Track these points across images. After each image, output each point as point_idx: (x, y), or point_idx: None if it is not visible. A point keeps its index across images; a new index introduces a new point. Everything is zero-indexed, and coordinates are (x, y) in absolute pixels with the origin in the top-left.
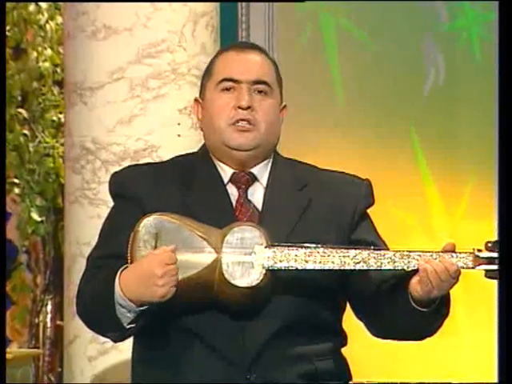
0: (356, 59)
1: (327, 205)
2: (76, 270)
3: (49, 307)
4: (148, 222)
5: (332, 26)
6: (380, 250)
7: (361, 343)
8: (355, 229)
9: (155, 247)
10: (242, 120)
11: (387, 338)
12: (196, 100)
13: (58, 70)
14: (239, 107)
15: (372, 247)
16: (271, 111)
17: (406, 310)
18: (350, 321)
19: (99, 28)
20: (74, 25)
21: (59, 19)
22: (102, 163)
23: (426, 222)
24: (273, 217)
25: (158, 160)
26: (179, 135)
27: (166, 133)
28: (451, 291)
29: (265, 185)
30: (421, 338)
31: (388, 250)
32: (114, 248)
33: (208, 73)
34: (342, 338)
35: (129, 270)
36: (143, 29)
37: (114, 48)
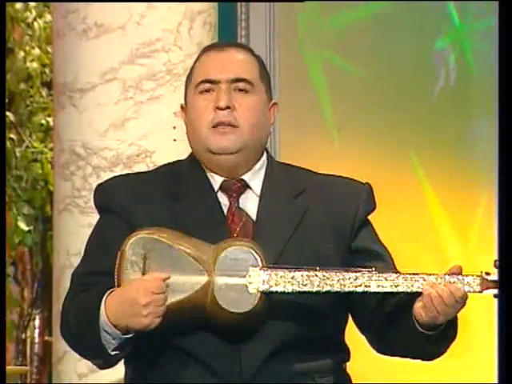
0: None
1: (325, 212)
2: (65, 282)
3: (37, 322)
4: (135, 242)
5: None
6: (382, 272)
7: (365, 358)
8: (356, 236)
9: (143, 269)
10: (223, 123)
11: (388, 355)
12: (182, 107)
13: (47, 70)
14: (218, 108)
15: (374, 269)
16: (254, 109)
17: (411, 332)
18: (353, 334)
19: (90, 26)
20: (64, 23)
21: (48, 17)
22: (93, 169)
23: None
24: (268, 227)
25: (152, 166)
26: (175, 139)
27: (161, 137)
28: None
29: (258, 192)
30: (426, 359)
31: (391, 272)
32: (100, 265)
33: (189, 76)
34: (344, 354)
35: (115, 295)
36: (137, 27)
37: (105, 47)
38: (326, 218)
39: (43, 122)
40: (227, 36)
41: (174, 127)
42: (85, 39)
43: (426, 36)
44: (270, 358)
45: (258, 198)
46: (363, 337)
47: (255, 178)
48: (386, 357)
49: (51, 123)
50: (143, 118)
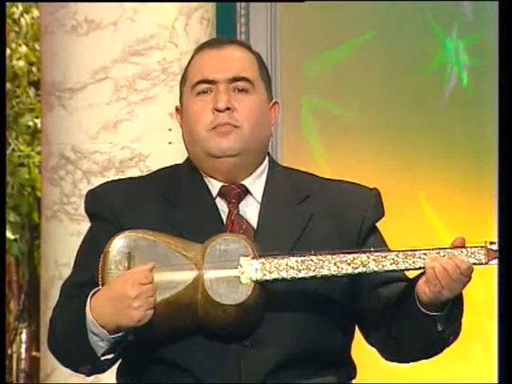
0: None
1: (331, 219)
2: (54, 294)
3: (23, 336)
4: (119, 241)
5: None
6: (380, 251)
7: (372, 374)
8: (364, 245)
9: (128, 268)
10: (223, 125)
11: (402, 360)
12: (177, 109)
13: (34, 69)
14: (216, 110)
15: (372, 248)
16: (256, 109)
17: (416, 316)
18: (360, 350)
19: (80, 22)
20: (52, 19)
21: (35, 12)
22: (83, 174)
23: None
24: (269, 235)
25: (146, 170)
26: (170, 142)
27: (156, 140)
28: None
29: (259, 199)
30: (435, 350)
31: (389, 250)
32: (90, 275)
33: (183, 76)
34: (350, 370)
35: (100, 293)
36: (130, 23)
37: (96, 45)
38: (331, 226)
39: (30, 123)
40: (226, 33)
41: (170, 129)
42: (75, 36)
43: (416, 62)
44: (271, 373)
45: (258, 205)
46: (370, 355)
47: (256, 183)
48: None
49: (39, 125)
50: (137, 120)
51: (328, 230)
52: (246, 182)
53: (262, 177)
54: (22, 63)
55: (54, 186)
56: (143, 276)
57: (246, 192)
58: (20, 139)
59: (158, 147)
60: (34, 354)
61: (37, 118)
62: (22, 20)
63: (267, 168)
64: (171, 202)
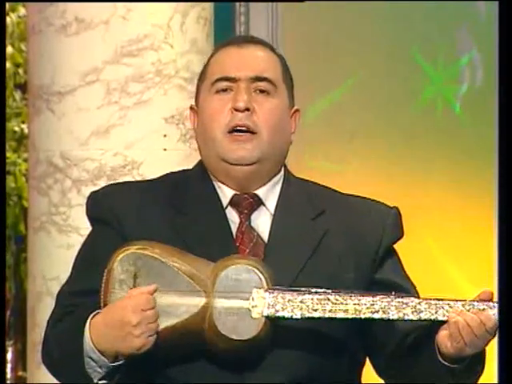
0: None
1: (347, 237)
2: (41, 310)
3: (9, 355)
4: (124, 258)
5: None
6: (403, 297)
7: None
8: (379, 267)
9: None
10: (240, 127)
11: None
12: (191, 108)
13: (21, 71)
14: (236, 109)
15: (393, 293)
16: (276, 114)
17: (433, 366)
18: (368, 375)
19: (70, 21)
20: (40, 17)
21: (22, 11)
22: (72, 183)
23: None
24: (281, 250)
25: (139, 179)
26: (165, 149)
27: (150, 146)
28: None
29: (272, 210)
30: None
31: (412, 297)
32: (89, 283)
33: (202, 75)
34: None
35: (99, 317)
36: (122, 22)
37: (87, 45)
38: (346, 244)
39: (17, 129)
40: (224, 32)
41: (165, 135)
42: (64, 36)
43: (407, 98)
44: None
45: (271, 217)
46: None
47: (270, 194)
48: None
49: (26, 130)
50: (129, 125)
51: (343, 247)
52: (260, 192)
53: (277, 187)
54: (7, 65)
55: (42, 195)
56: (145, 301)
57: (259, 202)
58: (6, 145)
59: (152, 154)
60: (20, 373)
61: (23, 122)
62: (8, 19)
63: (282, 179)
64: (177, 208)
